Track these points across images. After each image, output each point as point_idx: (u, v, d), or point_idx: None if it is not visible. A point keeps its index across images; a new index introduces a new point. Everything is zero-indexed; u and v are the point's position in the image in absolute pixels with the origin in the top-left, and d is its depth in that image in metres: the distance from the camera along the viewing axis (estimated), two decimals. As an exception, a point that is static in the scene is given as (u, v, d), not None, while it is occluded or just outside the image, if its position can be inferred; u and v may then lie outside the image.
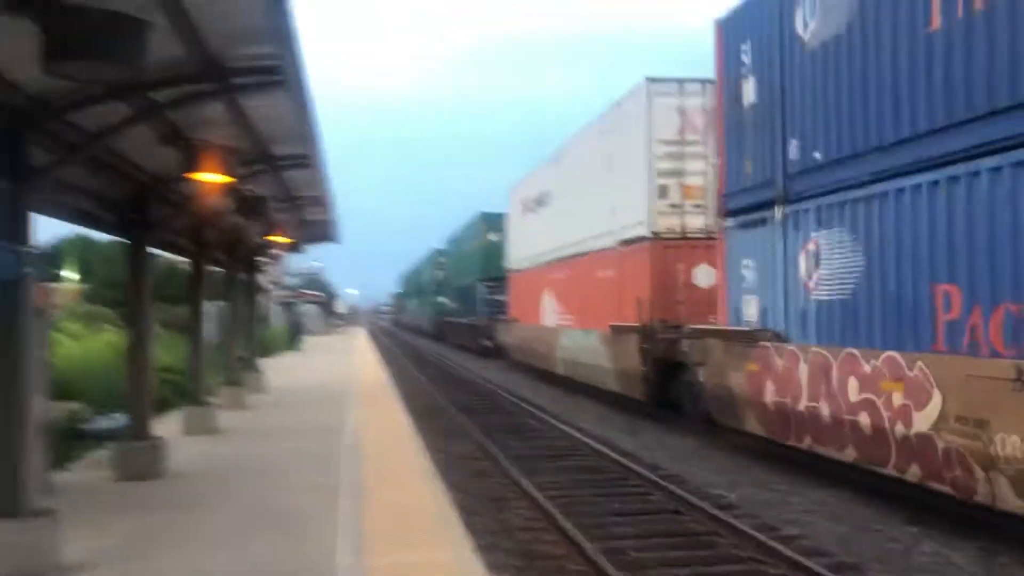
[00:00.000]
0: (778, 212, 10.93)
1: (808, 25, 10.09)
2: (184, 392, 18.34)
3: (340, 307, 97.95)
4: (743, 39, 11.78)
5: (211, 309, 29.61)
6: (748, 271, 11.74)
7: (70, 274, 58.03)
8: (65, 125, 8.00)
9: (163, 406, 17.81)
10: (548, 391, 21.58)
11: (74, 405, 13.52)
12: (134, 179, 10.90)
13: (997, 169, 7.13)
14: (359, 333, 77.19)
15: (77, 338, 21.53)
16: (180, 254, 16.98)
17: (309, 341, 47.94)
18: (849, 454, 9.65)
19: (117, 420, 12.26)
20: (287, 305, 66.92)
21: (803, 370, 10.19)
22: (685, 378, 14.40)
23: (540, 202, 25.98)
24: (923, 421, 8.20)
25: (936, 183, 7.96)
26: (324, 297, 73.03)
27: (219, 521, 8.87)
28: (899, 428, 8.65)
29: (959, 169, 7.60)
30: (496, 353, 34.78)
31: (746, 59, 11.64)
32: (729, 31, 12.21)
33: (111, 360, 18.03)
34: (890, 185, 8.52)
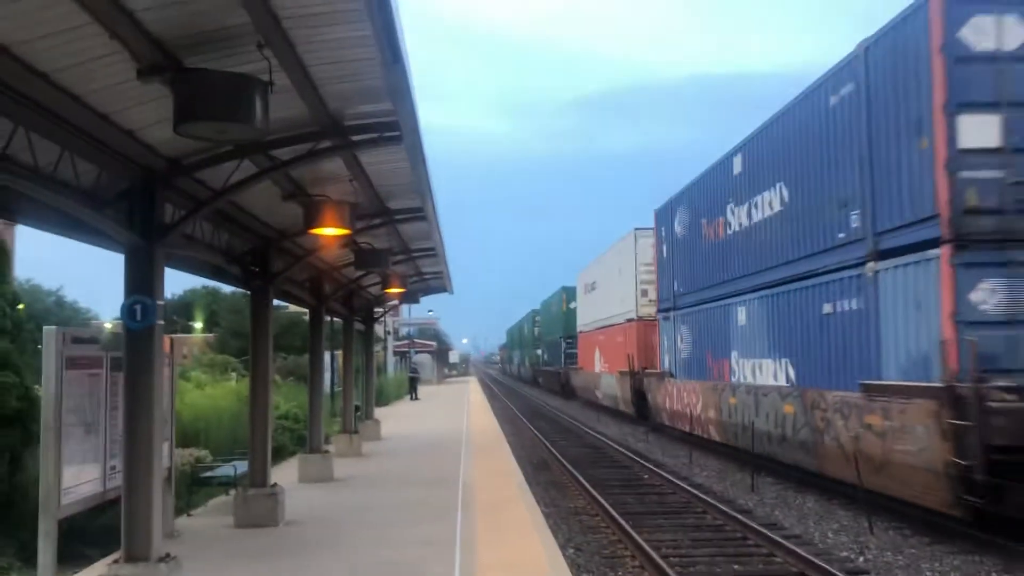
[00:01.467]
0: (671, 315, 24.24)
1: (677, 227, 23.67)
2: (302, 439, 18.77)
3: (453, 356, 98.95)
4: (662, 224, 25.66)
5: (329, 359, 30.66)
6: (665, 341, 25.04)
7: (198, 324, 61.06)
8: (194, 182, 8.37)
9: (281, 453, 18.25)
10: (657, 443, 23.89)
11: (199, 451, 13.94)
12: (258, 233, 11.28)
13: (727, 303, 19.14)
14: (470, 381, 77.65)
15: (202, 386, 22.40)
16: (301, 305, 17.50)
17: (423, 390, 48.58)
18: (711, 432, 20.35)
19: (238, 467, 12.55)
20: (403, 355, 68.21)
21: (678, 390, 23.02)
22: (647, 399, 27.05)
23: (591, 287, 40.19)
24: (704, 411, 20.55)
25: (721, 306, 19.57)
26: (437, 347, 73.94)
27: (332, 570, 8.86)
28: (695, 412, 21.24)
29: (724, 301, 19.40)
30: (570, 393, 47.54)
31: (663, 234, 25.51)
32: (659, 217, 26.08)
33: (234, 407, 18.67)
34: (704, 307, 21.03)
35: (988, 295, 10.91)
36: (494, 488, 13.91)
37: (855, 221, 13.21)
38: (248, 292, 11.68)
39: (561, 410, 38.48)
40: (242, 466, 12.41)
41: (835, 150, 13.94)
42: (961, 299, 10.87)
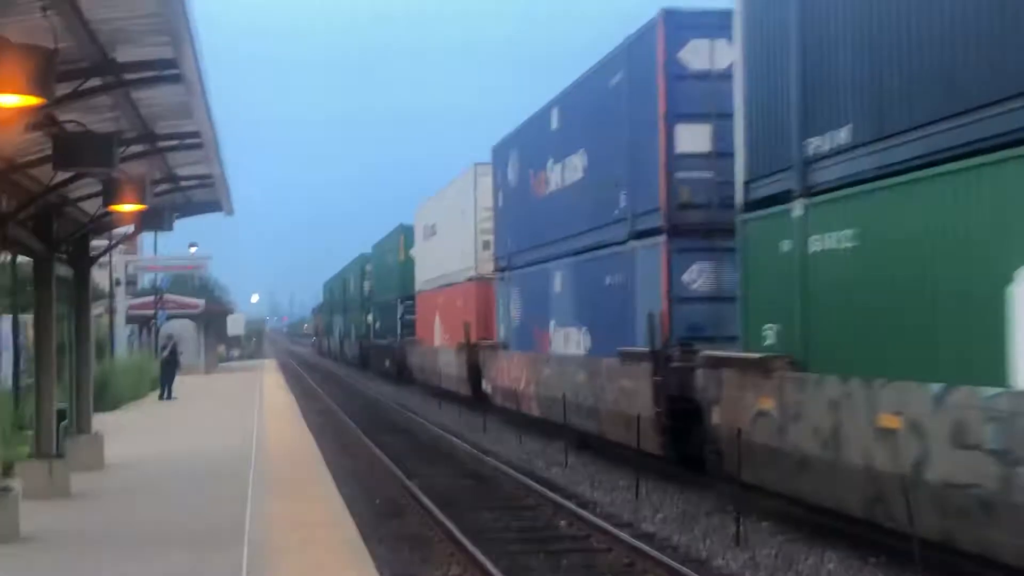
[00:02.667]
0: (506, 275, 34.32)
1: (510, 173, 33.88)
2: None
3: (235, 324, 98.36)
4: (498, 166, 35.53)
5: (10, 328, 29.98)
6: (500, 306, 35.09)
7: None
8: None
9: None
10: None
11: None
12: None
13: (548, 267, 29.60)
14: (265, 367, 77.58)
15: None
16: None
17: (185, 383, 48.33)
18: (532, 408, 30.97)
19: None
20: (144, 322, 67.38)
21: (508, 364, 33.70)
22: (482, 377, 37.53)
23: (431, 231, 48.39)
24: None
25: (543, 270, 29.82)
26: (207, 308, 73.29)
27: None
28: (519, 387, 32.48)
29: (544, 265, 29.84)
30: (407, 375, 54.89)
31: (499, 178, 35.43)
32: (495, 156, 35.91)
33: None
34: (530, 269, 31.22)
35: (696, 276, 21.27)
36: (306, 553, 14.08)
37: (623, 201, 23.71)
38: None
39: (410, 408, 42.34)
40: None
41: (613, 130, 24.23)
42: (675, 279, 21.35)
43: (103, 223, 22.23)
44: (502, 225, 35.34)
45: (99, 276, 45.17)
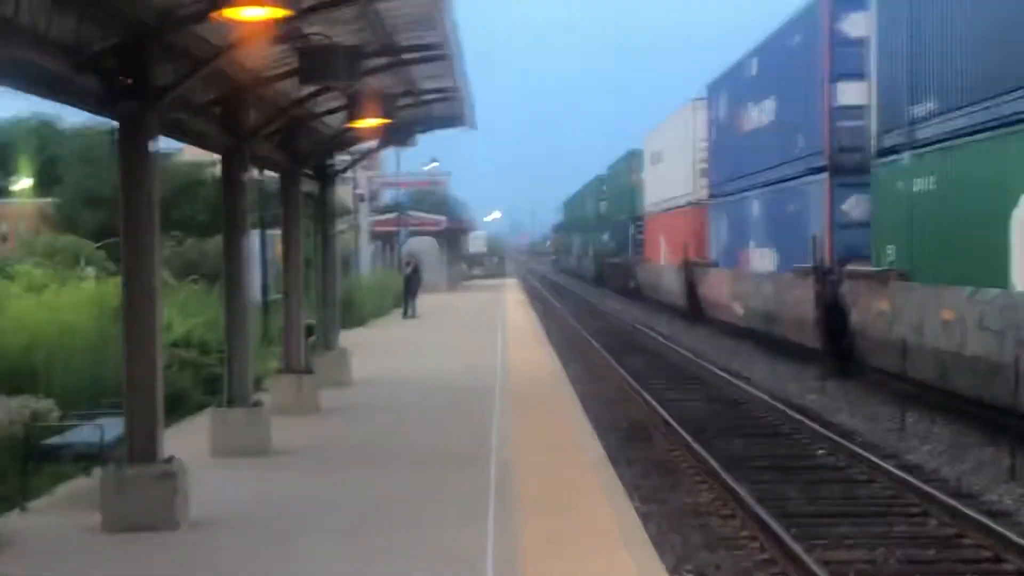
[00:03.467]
0: (716, 201, 41.19)
1: (721, 110, 40.51)
2: (214, 382, 19.02)
3: (476, 242, 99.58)
4: (712, 103, 42.07)
5: (259, 244, 30.80)
6: (712, 228, 41.48)
7: (23, 183, 61.26)
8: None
9: (181, 405, 18.56)
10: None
11: (37, 402, 14.13)
12: (128, 17, 11.11)
13: (747, 196, 36.31)
14: (506, 285, 78.44)
15: (38, 289, 22.69)
16: (206, 147, 17.44)
17: (426, 301, 49.25)
18: (736, 318, 37.25)
19: (107, 429, 12.72)
20: (387, 239, 68.86)
21: (717, 280, 40.22)
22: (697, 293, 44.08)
23: (657, 158, 54.22)
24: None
25: (744, 198, 36.58)
26: (448, 226, 74.41)
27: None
28: (724, 301, 39.57)
29: (745, 193, 36.35)
30: (637, 292, 61.37)
31: (712, 114, 42.03)
32: (709, 93, 42.53)
33: (95, 328, 18.88)
34: (734, 197, 38.01)
35: (854, 206, 26.51)
36: (553, 475, 14.02)
37: (800, 142, 29.57)
38: (114, 123, 11.61)
39: (657, 329, 43.44)
40: (114, 428, 12.56)
41: (794, 82, 30.52)
42: (836, 208, 27.11)
43: (346, 138, 22.44)
44: (714, 156, 41.59)
45: (342, 192, 46.07)
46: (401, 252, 61.13)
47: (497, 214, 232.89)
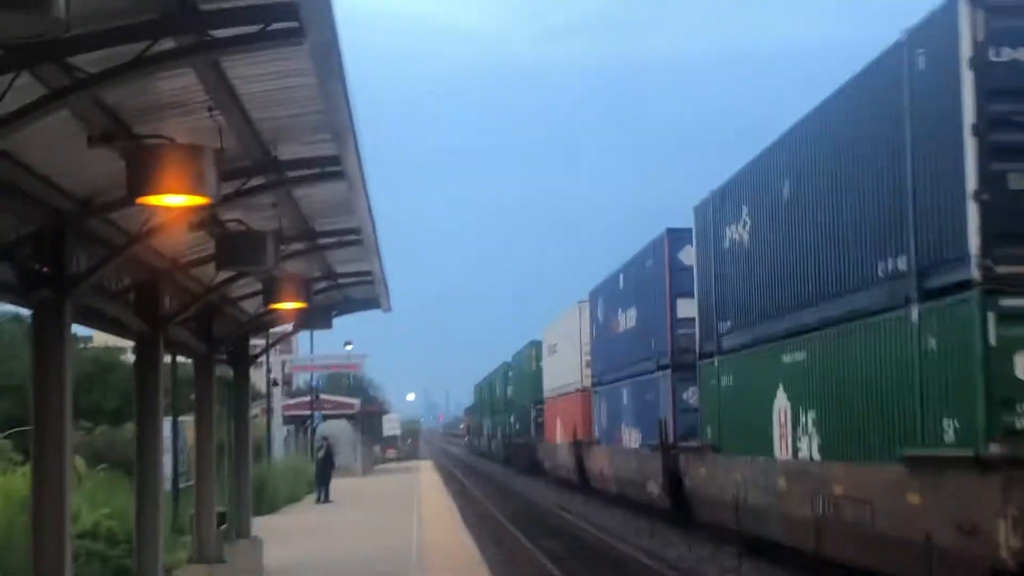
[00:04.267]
0: (598, 388, 50.13)
1: (599, 316, 49.32)
2: (124, 574, 18.69)
3: (390, 425, 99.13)
4: (592, 307, 51.31)
5: (170, 430, 30.58)
6: (596, 409, 49.78)
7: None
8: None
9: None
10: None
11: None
12: (46, 204, 11.22)
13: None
14: (420, 467, 77.89)
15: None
16: (120, 333, 17.47)
17: (341, 485, 48.83)
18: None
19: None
20: (300, 423, 68.28)
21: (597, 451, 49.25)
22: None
23: (552, 349, 61.84)
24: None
25: (617, 388, 44.19)
26: (363, 408, 74.16)
27: None
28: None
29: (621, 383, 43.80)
30: (539, 468, 67.57)
31: (593, 317, 51.09)
32: (591, 298, 51.36)
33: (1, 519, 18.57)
34: (611, 386, 46.32)
35: (692, 395, 33.03)
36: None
37: (653, 345, 37.19)
38: (28, 310, 11.78)
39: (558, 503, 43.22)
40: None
41: (648, 299, 38.73)
42: (678, 397, 34.24)
43: (262, 322, 22.63)
44: (595, 351, 48.84)
45: (255, 376, 46.01)
46: (312, 436, 60.71)
47: (412, 395, 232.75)
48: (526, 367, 75.26)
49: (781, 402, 23.90)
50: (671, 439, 33.28)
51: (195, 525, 20.29)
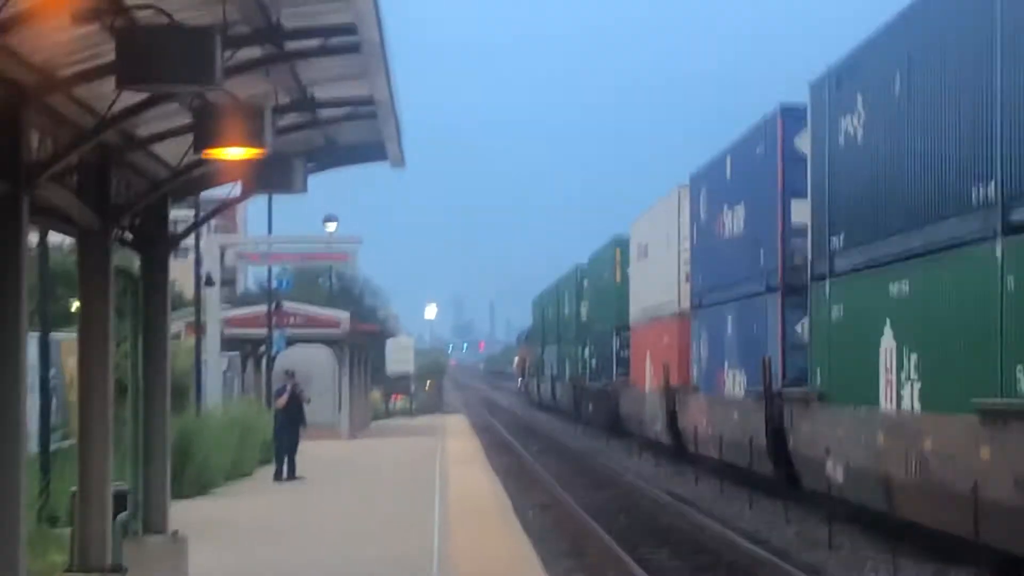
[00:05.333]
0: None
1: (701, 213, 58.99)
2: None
3: (398, 357, 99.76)
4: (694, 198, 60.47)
5: (36, 352, 30.45)
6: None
7: None
8: None
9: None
10: None
11: None
12: None
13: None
14: (448, 429, 78.33)
15: None
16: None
17: (310, 453, 49.04)
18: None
19: None
20: (251, 349, 68.59)
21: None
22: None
23: (643, 252, 68.22)
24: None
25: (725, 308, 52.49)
26: (351, 327, 74.36)
27: None
28: None
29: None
30: (617, 429, 76.69)
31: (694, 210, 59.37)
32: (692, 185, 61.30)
33: None
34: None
35: (801, 328, 40.67)
36: None
37: (762, 257, 44.50)
38: None
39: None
40: None
41: (758, 196, 45.23)
42: (788, 328, 41.41)
43: (190, 180, 22.53)
44: (696, 260, 55.26)
45: (178, 270, 46.01)
46: (275, 370, 60.96)
47: (433, 309, 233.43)
48: (607, 276, 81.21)
49: (888, 341, 30.09)
50: (777, 385, 38.65)
51: (77, 512, 20.32)
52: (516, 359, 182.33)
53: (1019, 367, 22.78)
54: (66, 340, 29.73)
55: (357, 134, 23.33)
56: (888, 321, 29.59)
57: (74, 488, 20.72)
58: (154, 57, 13.89)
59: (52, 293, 28.65)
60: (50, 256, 26.97)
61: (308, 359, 66.00)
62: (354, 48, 17.01)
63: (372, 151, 24.53)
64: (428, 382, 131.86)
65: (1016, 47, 22.81)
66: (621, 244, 76.77)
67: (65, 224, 20.81)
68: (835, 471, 33.08)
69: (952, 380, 26.34)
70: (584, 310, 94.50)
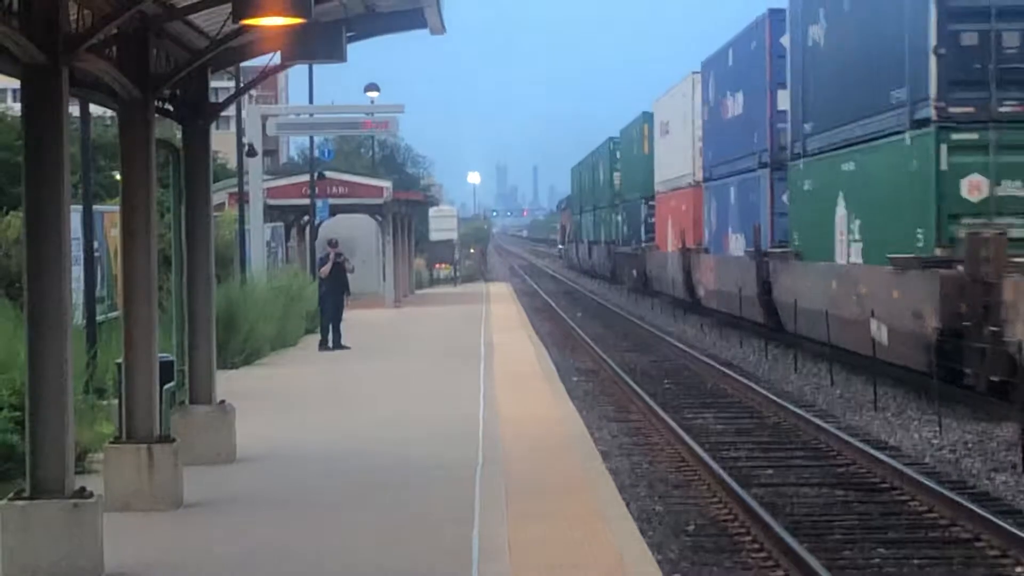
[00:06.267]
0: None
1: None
2: (10, 459, 19.07)
3: (442, 225, 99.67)
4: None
5: (78, 224, 30.38)
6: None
7: None
8: None
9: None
10: None
11: None
12: None
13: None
14: (492, 297, 78.35)
15: None
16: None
17: (360, 318, 48.93)
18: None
19: None
20: (294, 218, 68.57)
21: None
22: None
23: (665, 129, 79.87)
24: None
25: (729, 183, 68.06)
26: (395, 196, 74.24)
27: None
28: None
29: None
30: (646, 286, 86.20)
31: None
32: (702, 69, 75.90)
33: None
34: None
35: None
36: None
37: (755, 138, 57.95)
38: None
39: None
40: None
41: (753, 85, 58.40)
42: (777, 199, 56.25)
43: (230, 50, 22.47)
44: (706, 137, 66.55)
45: (220, 141, 45.92)
46: (318, 240, 60.85)
47: (476, 176, 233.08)
48: (636, 149, 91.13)
49: (841, 210, 41.05)
50: (766, 245, 50.96)
51: (123, 383, 20.40)
52: (559, 226, 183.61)
53: (918, 229, 34.13)
54: (109, 211, 29.74)
55: (396, 1, 23.21)
56: (841, 194, 41.04)
57: (120, 359, 20.83)
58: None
59: (95, 165, 28.55)
60: (93, 128, 26.80)
61: (351, 228, 65.82)
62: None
63: (411, 18, 24.42)
64: (472, 249, 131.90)
65: None
66: (649, 119, 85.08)
67: (106, 96, 20.78)
68: (801, 314, 44.50)
69: (880, 239, 37.43)
70: (617, 179, 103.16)
